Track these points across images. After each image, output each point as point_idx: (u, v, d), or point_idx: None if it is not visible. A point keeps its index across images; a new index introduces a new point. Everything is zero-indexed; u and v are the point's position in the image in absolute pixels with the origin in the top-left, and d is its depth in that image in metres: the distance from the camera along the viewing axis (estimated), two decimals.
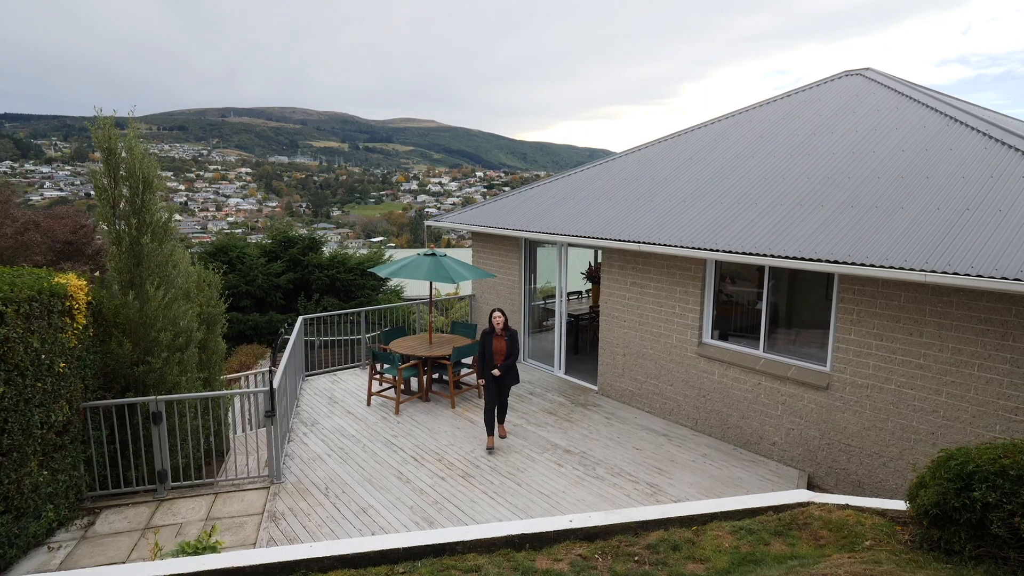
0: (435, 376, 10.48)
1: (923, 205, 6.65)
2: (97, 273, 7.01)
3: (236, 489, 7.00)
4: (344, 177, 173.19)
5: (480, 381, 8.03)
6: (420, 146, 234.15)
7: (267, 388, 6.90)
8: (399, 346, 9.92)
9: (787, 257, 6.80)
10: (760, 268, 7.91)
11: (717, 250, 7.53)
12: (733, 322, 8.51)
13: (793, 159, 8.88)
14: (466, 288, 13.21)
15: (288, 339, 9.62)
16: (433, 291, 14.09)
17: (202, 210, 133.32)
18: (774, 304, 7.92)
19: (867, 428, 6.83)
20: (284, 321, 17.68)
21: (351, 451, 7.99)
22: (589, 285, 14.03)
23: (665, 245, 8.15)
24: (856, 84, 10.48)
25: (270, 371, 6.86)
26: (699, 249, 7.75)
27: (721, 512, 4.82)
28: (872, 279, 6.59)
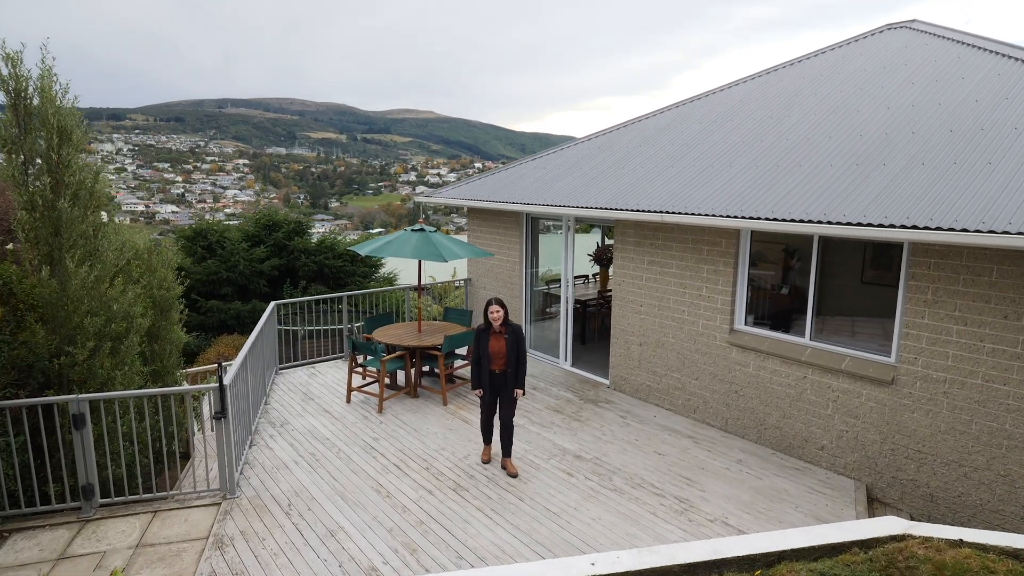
0: (425, 369, 9.29)
1: (1018, 160, 5.41)
2: (10, 246, 5.77)
3: (180, 506, 5.81)
4: (342, 168, 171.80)
5: (476, 392, 6.52)
6: (418, 137, 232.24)
7: (216, 385, 5.69)
8: (384, 335, 8.71)
9: (846, 224, 5.57)
10: (792, 247, 6.69)
11: (756, 218, 6.30)
12: (771, 306, 7.30)
13: (839, 116, 7.64)
14: (462, 271, 12.02)
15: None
16: (429, 277, 12.88)
17: (199, 201, 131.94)
18: (823, 283, 6.69)
19: (944, 431, 5.63)
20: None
21: (323, 457, 6.79)
22: (596, 269, 12.82)
23: (692, 214, 6.92)
24: (902, 37, 9.22)
25: (219, 365, 5.65)
26: (733, 217, 6.52)
27: (791, 550, 3.62)
28: (955, 249, 5.37)
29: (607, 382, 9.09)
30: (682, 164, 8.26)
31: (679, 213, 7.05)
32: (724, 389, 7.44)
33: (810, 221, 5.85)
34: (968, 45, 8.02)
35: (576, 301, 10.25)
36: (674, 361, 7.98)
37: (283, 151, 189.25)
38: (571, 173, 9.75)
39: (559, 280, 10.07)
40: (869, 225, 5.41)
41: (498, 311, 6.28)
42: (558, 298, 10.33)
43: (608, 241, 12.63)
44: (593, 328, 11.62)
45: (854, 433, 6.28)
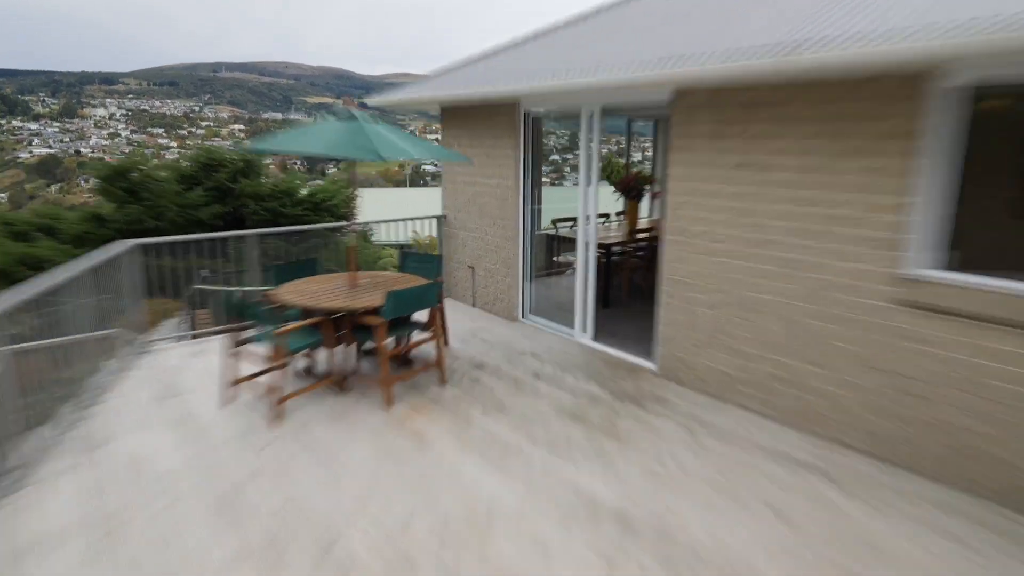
0: (364, 347, 5.97)
1: None
2: None
3: None
4: None
5: None
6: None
7: None
8: (295, 292, 5.38)
9: None
10: None
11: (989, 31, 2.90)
12: (993, 234, 3.93)
13: None
14: (436, 206, 8.64)
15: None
16: (412, 232, 9.45)
17: None
18: None
19: None
20: (204, 267, 13.23)
21: (132, 522, 3.51)
22: (620, 207, 9.46)
23: (863, 40, 3.51)
24: None
25: None
26: (946, 35, 3.11)
27: None
28: None
29: (652, 366, 5.79)
30: None
31: (830, 41, 3.62)
32: (883, 384, 4.12)
33: None
34: None
35: (599, 245, 6.90)
36: (777, 333, 4.65)
37: (279, 116, 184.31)
38: (595, 44, 6.30)
39: (572, 221, 6.74)
40: None
41: None
42: (571, 242, 7.01)
43: (622, 169, 9.24)
44: (621, 284, 8.30)
45: None
